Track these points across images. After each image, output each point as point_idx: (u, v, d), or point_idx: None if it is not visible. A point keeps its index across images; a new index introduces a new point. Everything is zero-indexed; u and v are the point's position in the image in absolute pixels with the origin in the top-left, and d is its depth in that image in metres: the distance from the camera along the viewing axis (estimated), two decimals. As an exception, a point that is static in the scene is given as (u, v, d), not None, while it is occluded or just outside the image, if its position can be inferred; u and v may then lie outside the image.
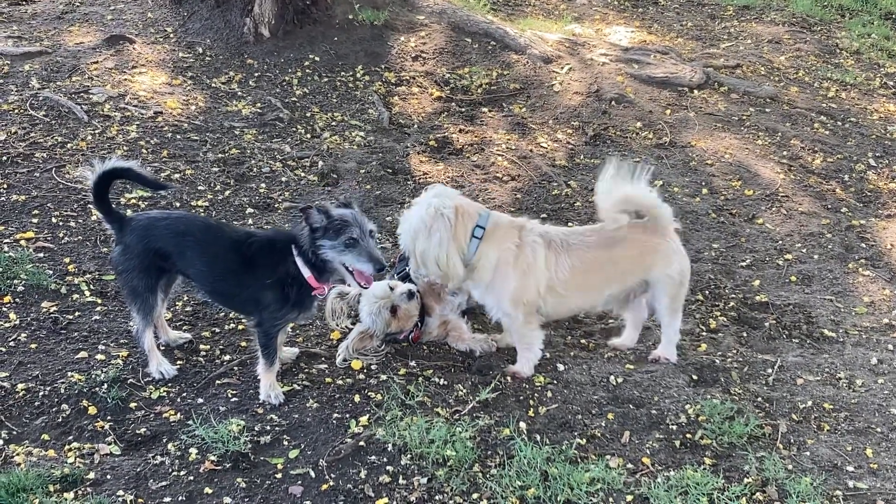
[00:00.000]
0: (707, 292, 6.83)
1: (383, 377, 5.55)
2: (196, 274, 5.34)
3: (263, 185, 7.65)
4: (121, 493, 4.60)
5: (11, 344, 5.60)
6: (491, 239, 5.50)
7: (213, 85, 9.18)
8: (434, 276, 5.58)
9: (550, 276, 5.54)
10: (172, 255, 5.25)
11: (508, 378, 5.65)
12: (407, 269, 6.04)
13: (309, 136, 8.57)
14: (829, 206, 8.24)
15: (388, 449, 4.97)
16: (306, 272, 5.12)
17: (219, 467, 4.80)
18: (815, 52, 12.08)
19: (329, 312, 5.96)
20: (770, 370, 6.00)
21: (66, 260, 6.45)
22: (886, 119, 10.21)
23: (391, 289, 5.80)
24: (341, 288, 5.80)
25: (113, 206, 5.44)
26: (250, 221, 7.11)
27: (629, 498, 4.77)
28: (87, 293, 6.14)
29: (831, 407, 5.66)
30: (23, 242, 6.55)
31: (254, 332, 5.30)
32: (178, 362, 5.58)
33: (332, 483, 4.74)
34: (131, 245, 5.23)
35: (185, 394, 5.34)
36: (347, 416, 5.21)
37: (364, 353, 5.75)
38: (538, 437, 5.15)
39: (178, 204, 7.20)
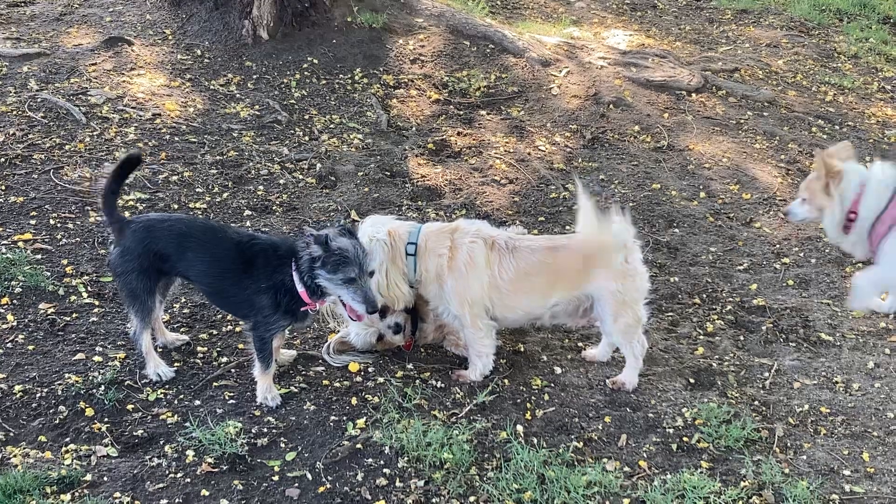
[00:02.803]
0: (704, 296, 6.84)
1: (380, 380, 5.55)
2: (196, 275, 5.34)
3: (261, 187, 7.66)
4: (118, 494, 4.60)
5: (9, 345, 5.60)
6: (423, 252, 5.55)
7: (212, 87, 9.18)
8: (383, 301, 5.58)
9: (493, 274, 5.50)
10: (173, 256, 5.25)
11: (505, 381, 5.66)
12: None
13: (307, 138, 8.58)
14: (827, 210, 8.24)
15: (385, 451, 4.97)
16: (300, 287, 5.12)
17: (216, 469, 4.80)
18: (813, 56, 12.10)
19: (327, 313, 5.98)
20: (767, 374, 6.01)
21: (64, 262, 6.45)
22: (884, 123, 10.22)
23: (383, 311, 5.76)
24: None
25: (116, 208, 5.44)
26: (248, 223, 7.11)
27: (626, 501, 4.78)
28: (85, 295, 6.15)
29: (828, 411, 5.67)
30: (20, 244, 6.56)
31: (250, 336, 5.30)
32: (176, 364, 5.58)
33: (328, 485, 4.74)
34: (131, 247, 5.23)
35: (182, 396, 5.35)
36: (344, 418, 5.22)
37: (352, 353, 5.78)
38: (535, 441, 5.16)
39: (175, 206, 7.20)
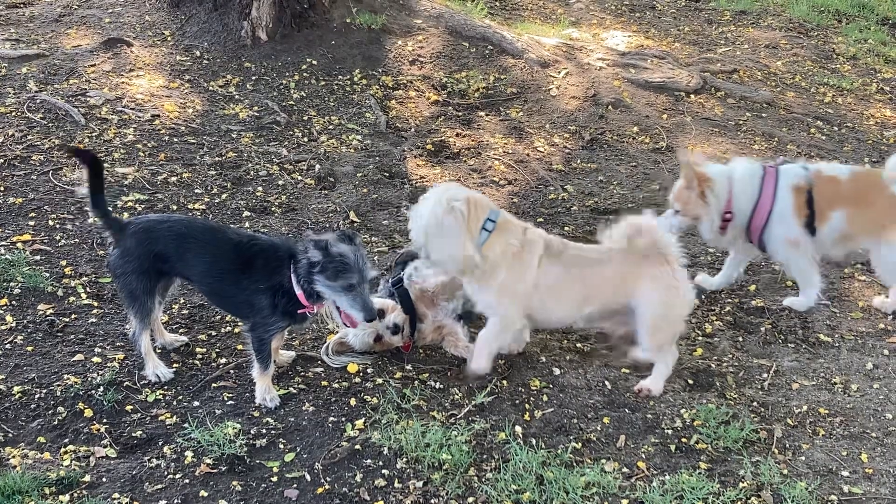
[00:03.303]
0: (703, 297, 6.84)
1: (379, 381, 5.55)
2: (196, 276, 5.35)
3: (260, 188, 7.66)
4: (116, 496, 4.60)
5: (7, 346, 5.60)
6: (499, 232, 5.45)
7: (211, 88, 9.18)
8: (450, 269, 5.55)
9: (538, 276, 5.51)
10: (172, 257, 5.25)
11: (504, 382, 5.66)
12: (401, 274, 6.05)
13: (306, 139, 8.58)
14: (826, 211, 8.24)
15: (384, 452, 4.97)
16: (298, 290, 5.13)
17: (214, 470, 4.80)
18: (811, 57, 12.11)
19: (327, 314, 5.98)
20: (765, 375, 6.01)
21: (63, 263, 6.45)
22: (882, 124, 10.23)
23: (381, 314, 5.76)
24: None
25: (109, 210, 5.44)
26: (247, 224, 7.11)
27: (624, 502, 4.78)
28: (84, 296, 6.15)
29: (826, 412, 5.67)
30: (19, 245, 6.56)
31: (248, 336, 5.30)
32: (175, 365, 5.58)
33: (327, 486, 4.75)
34: (131, 248, 5.23)
35: (181, 397, 5.35)
36: (343, 419, 5.22)
37: (351, 354, 5.79)
38: (534, 441, 5.16)
39: (174, 207, 7.20)
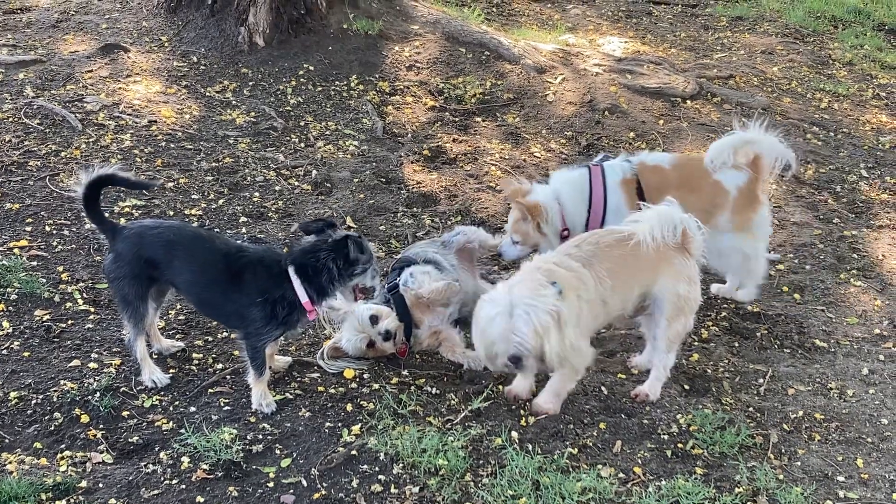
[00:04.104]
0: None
1: (375, 386, 5.56)
2: (184, 283, 5.35)
3: (257, 194, 7.67)
4: (113, 501, 4.61)
5: (4, 352, 5.61)
6: (567, 293, 5.27)
7: (208, 94, 9.19)
8: (575, 361, 5.37)
9: (596, 292, 5.39)
10: (161, 264, 5.25)
11: (500, 388, 5.67)
12: (397, 280, 6.07)
13: (303, 145, 8.59)
14: (822, 217, 8.27)
15: (380, 458, 4.98)
16: (304, 297, 5.16)
17: (211, 476, 4.81)
18: (807, 63, 12.13)
19: (325, 320, 5.99)
20: (761, 380, 6.02)
21: (60, 268, 6.46)
22: (878, 130, 10.25)
23: (374, 319, 5.77)
24: (332, 302, 5.80)
25: (105, 214, 5.46)
26: (244, 230, 7.12)
27: (620, 507, 4.79)
28: (81, 302, 6.15)
29: (822, 417, 5.68)
30: (16, 251, 6.56)
31: (242, 344, 5.31)
32: (171, 371, 5.59)
33: (323, 492, 4.75)
34: (122, 253, 5.24)
35: (177, 402, 5.35)
36: (339, 425, 5.23)
37: (347, 360, 5.79)
38: (530, 447, 5.16)
39: (171, 213, 7.20)
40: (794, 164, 6.76)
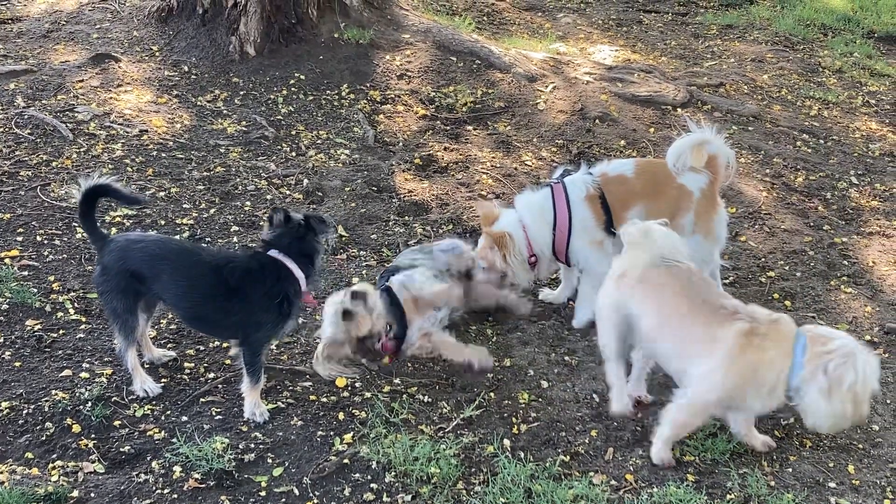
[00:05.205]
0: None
1: (367, 395, 5.56)
2: (172, 299, 5.33)
3: (248, 203, 7.66)
4: (104, 511, 4.61)
5: (-5, 362, 5.61)
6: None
7: (199, 103, 9.20)
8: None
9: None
10: (148, 278, 5.23)
11: (492, 395, 5.67)
12: (387, 283, 6.07)
13: (294, 154, 8.59)
14: (812, 224, 8.29)
15: (373, 466, 4.98)
16: (301, 278, 5.26)
17: (203, 485, 4.81)
18: (797, 70, 12.18)
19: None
20: (753, 387, 6.02)
21: (51, 278, 6.45)
22: (868, 137, 10.29)
23: (355, 295, 5.74)
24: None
25: (97, 225, 5.46)
26: (235, 239, 7.11)
27: (612, 515, 4.80)
28: (72, 311, 6.15)
29: (813, 423, 5.70)
30: (7, 260, 6.55)
31: (240, 351, 5.30)
32: (163, 380, 5.59)
33: (316, 501, 4.76)
34: (109, 266, 5.24)
35: (169, 412, 5.35)
36: (332, 433, 5.23)
37: (341, 364, 5.77)
38: (522, 455, 5.18)
39: (162, 222, 7.20)
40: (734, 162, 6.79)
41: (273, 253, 5.26)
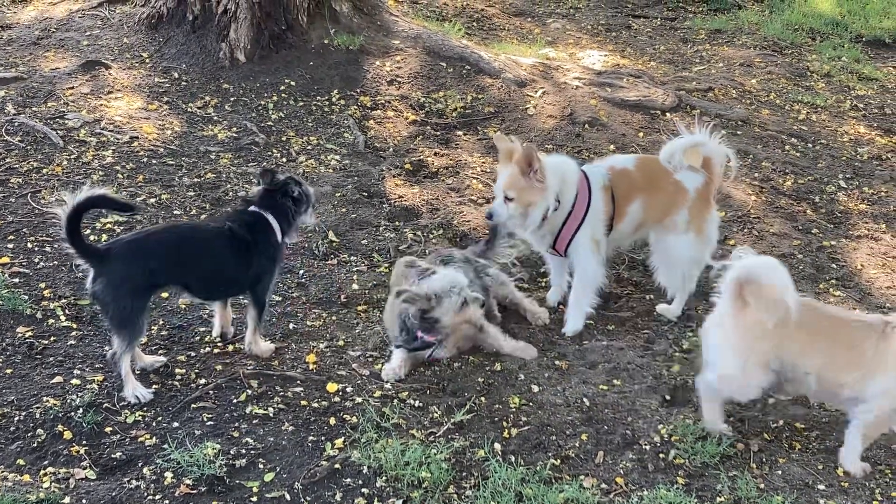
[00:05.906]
0: (680, 313, 6.88)
1: (358, 400, 5.58)
2: (194, 276, 5.65)
3: (239, 209, 7.67)
4: (96, 517, 4.61)
5: (-14, 369, 5.61)
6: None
7: (189, 109, 9.20)
8: None
9: None
10: (167, 267, 5.48)
11: (483, 400, 5.69)
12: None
13: (284, 160, 8.61)
14: (800, 228, 8.33)
15: (364, 471, 5.00)
16: (279, 236, 5.85)
17: (194, 491, 4.81)
18: (786, 75, 12.23)
19: (396, 278, 6.37)
20: (742, 390, 6.05)
21: (42, 285, 6.45)
22: (856, 141, 10.34)
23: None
24: (411, 259, 6.46)
25: (86, 240, 5.43)
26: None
27: (603, 518, 4.82)
28: (63, 318, 6.15)
29: (803, 426, 5.72)
30: (-2, 268, 6.56)
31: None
32: (154, 386, 5.59)
33: (307, 506, 4.76)
34: (121, 270, 5.25)
35: (160, 418, 5.35)
36: (323, 438, 5.24)
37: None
38: (513, 459, 5.19)
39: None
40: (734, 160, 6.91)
41: (253, 209, 5.80)
